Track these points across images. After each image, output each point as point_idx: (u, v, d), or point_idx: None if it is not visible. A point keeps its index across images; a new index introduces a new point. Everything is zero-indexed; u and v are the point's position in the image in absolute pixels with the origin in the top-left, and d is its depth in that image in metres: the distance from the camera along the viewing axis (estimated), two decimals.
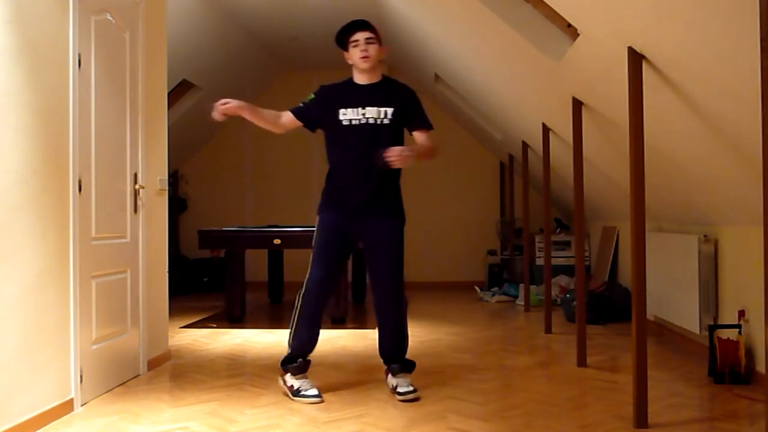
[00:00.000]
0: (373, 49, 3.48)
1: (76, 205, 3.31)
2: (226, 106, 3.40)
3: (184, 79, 7.44)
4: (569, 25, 3.57)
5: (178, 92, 7.66)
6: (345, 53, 3.56)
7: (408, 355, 3.64)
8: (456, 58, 5.81)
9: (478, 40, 4.74)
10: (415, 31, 6.21)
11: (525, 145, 6.54)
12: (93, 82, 3.51)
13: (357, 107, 3.47)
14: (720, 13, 2.34)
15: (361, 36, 3.47)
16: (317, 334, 3.57)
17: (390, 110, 3.47)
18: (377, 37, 3.51)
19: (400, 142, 3.51)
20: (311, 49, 8.15)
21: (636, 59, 2.95)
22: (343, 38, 3.52)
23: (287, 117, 3.60)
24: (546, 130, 5.28)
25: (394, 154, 3.27)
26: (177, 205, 9.04)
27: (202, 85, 7.76)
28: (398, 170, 3.53)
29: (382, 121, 3.47)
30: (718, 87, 2.77)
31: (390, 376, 3.58)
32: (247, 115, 3.51)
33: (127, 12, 3.93)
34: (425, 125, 3.58)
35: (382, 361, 3.66)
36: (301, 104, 3.61)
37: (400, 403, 3.39)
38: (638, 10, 2.70)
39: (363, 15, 6.79)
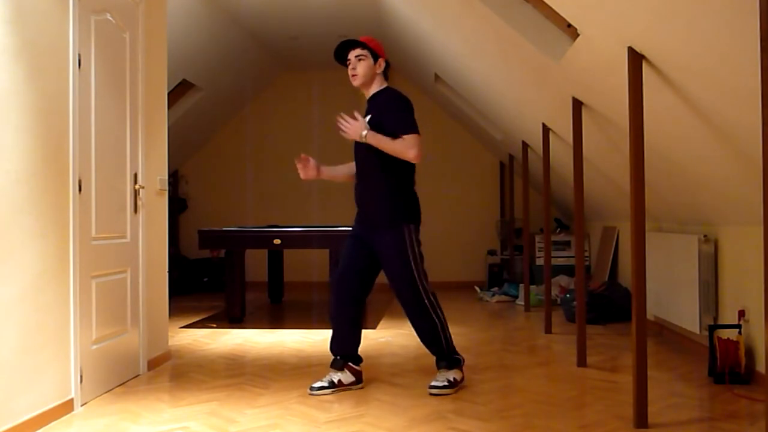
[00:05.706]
0: (361, 66, 3.61)
1: (76, 205, 3.31)
2: (308, 173, 3.63)
3: (184, 79, 7.43)
4: (569, 25, 3.57)
5: (178, 92, 7.66)
6: None
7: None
8: (456, 58, 5.81)
9: (478, 40, 4.74)
10: (415, 31, 6.21)
11: (525, 145, 6.54)
12: (93, 82, 3.51)
13: None
14: (720, 13, 2.34)
15: (351, 55, 3.63)
16: (345, 333, 3.73)
17: (368, 118, 3.61)
18: (370, 52, 3.61)
19: (383, 152, 3.52)
20: (311, 49, 8.15)
21: (636, 59, 2.95)
22: (340, 58, 3.68)
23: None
24: (546, 130, 5.28)
25: (346, 123, 3.47)
26: (177, 205, 9.04)
27: (202, 85, 7.76)
28: (393, 182, 3.56)
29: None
30: (718, 87, 2.77)
31: None
32: (325, 177, 3.79)
33: (127, 12, 3.93)
34: (399, 129, 3.49)
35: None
36: None
37: (402, 402, 3.41)
38: (638, 10, 2.70)
39: (363, 15, 6.87)
